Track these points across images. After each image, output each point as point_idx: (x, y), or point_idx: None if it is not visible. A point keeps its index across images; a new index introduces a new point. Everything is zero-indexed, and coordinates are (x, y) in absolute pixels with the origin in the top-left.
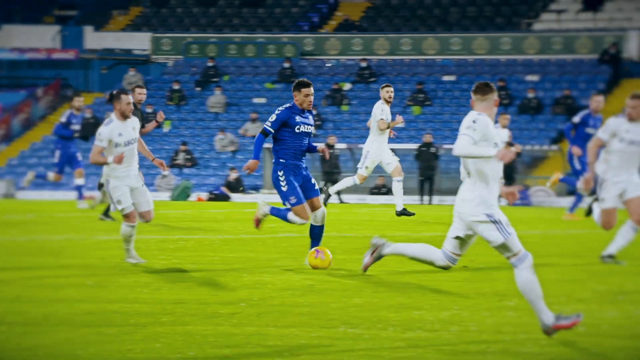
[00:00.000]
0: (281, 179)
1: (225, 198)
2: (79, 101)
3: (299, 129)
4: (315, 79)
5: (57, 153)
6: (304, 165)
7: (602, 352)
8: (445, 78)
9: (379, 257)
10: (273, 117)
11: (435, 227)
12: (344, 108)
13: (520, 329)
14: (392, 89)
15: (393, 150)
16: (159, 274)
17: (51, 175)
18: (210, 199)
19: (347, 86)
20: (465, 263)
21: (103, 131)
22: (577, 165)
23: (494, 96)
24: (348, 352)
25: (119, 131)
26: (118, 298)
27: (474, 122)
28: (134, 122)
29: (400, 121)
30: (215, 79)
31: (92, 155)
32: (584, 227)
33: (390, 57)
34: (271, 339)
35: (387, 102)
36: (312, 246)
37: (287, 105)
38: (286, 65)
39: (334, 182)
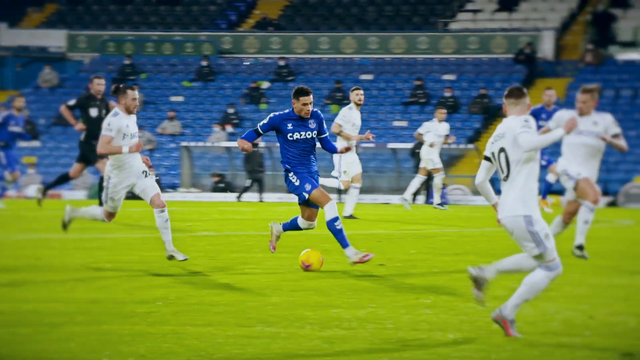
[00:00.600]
0: (290, 177)
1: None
2: (20, 101)
3: (291, 136)
4: (233, 77)
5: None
6: (314, 170)
7: (516, 349)
8: (363, 77)
9: (484, 283)
10: (266, 119)
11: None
12: (262, 106)
13: (436, 326)
14: (362, 91)
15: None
16: (75, 272)
17: (8, 176)
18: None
19: (265, 85)
20: (382, 261)
21: (112, 121)
22: (542, 162)
23: (527, 100)
24: (265, 350)
25: (127, 122)
26: (32, 297)
27: (526, 121)
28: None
29: (366, 137)
30: (132, 77)
31: (103, 145)
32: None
33: (308, 55)
34: (187, 338)
35: (357, 104)
36: (342, 245)
37: (285, 111)
38: (204, 63)
39: (259, 180)
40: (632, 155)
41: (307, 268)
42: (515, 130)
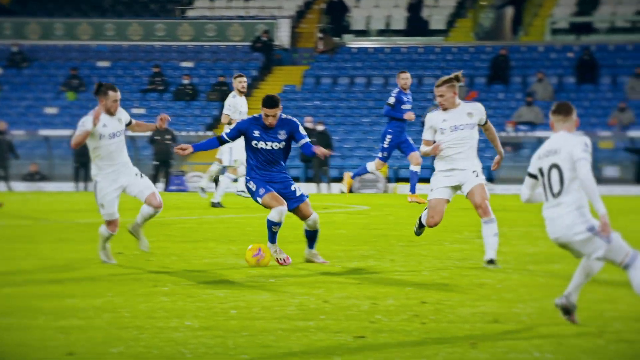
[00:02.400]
0: (249, 183)
1: None
2: None
3: (256, 144)
4: None
5: None
6: (277, 178)
7: (252, 334)
8: (100, 64)
9: (574, 308)
10: (234, 125)
11: (90, 214)
12: None
13: (173, 313)
14: (244, 79)
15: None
16: None
17: None
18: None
19: None
20: (120, 249)
21: (87, 119)
22: (386, 143)
23: (575, 116)
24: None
25: (104, 122)
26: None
27: (586, 145)
28: (122, 114)
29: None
30: None
31: (74, 138)
32: (237, 212)
33: (42, 41)
34: None
35: (240, 92)
36: (307, 246)
37: (255, 115)
38: None
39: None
40: (366, 141)
41: (259, 259)
42: (574, 153)
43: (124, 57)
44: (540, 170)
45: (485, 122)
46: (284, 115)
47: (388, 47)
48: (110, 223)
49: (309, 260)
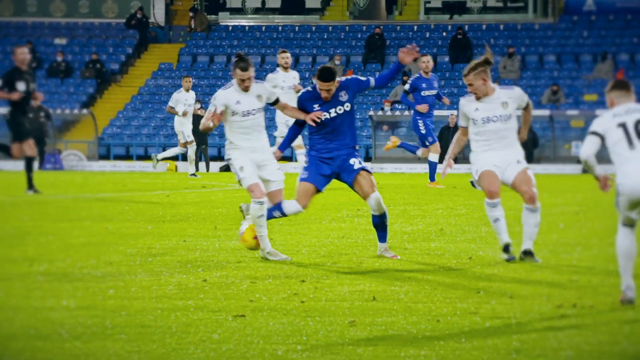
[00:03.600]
0: (305, 162)
1: None
2: None
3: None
4: None
5: None
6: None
7: (130, 314)
8: None
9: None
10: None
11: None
12: None
13: (49, 293)
14: (287, 54)
15: None
16: None
17: None
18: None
19: None
20: None
21: (219, 95)
22: (422, 129)
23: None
24: None
25: (237, 98)
26: None
27: None
28: (260, 89)
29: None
30: None
31: (203, 120)
32: (114, 191)
33: None
34: None
35: (284, 68)
36: (378, 239)
37: (309, 88)
38: None
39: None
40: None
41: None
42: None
43: None
44: (624, 125)
45: (527, 105)
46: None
47: (264, 25)
48: (252, 189)
49: (380, 255)
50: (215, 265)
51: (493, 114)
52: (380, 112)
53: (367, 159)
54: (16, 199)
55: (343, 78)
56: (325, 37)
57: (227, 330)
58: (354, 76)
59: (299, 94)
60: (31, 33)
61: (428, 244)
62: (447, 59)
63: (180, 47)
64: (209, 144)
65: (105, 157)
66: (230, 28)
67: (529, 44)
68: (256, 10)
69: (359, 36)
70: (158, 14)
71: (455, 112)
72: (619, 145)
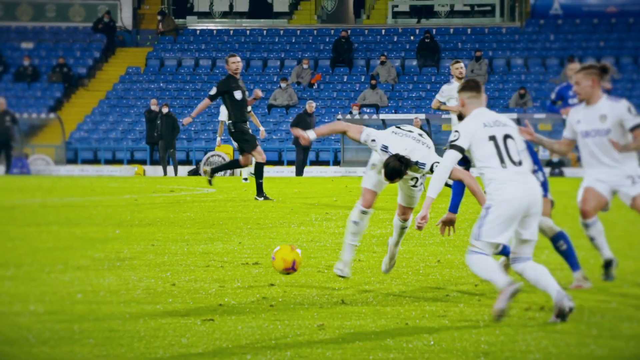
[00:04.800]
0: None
1: None
2: None
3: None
4: None
5: None
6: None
7: (99, 318)
8: None
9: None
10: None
11: None
12: None
13: (17, 297)
14: (460, 64)
15: None
16: None
17: None
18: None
19: None
20: None
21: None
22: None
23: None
24: None
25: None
26: None
27: None
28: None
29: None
30: None
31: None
32: (82, 195)
33: None
34: None
35: (458, 78)
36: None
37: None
38: None
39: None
40: (211, 124)
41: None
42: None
43: None
44: (494, 139)
45: (634, 128)
46: None
47: (232, 29)
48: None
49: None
50: (183, 269)
51: (590, 127)
52: (348, 116)
53: (336, 162)
54: None
55: None
56: (294, 40)
57: (195, 334)
58: None
59: None
60: None
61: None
62: (415, 62)
63: (148, 51)
64: (177, 148)
65: (73, 161)
66: (198, 32)
67: (497, 48)
68: (224, 14)
69: (327, 40)
70: (125, 18)
71: (420, 116)
72: (491, 161)
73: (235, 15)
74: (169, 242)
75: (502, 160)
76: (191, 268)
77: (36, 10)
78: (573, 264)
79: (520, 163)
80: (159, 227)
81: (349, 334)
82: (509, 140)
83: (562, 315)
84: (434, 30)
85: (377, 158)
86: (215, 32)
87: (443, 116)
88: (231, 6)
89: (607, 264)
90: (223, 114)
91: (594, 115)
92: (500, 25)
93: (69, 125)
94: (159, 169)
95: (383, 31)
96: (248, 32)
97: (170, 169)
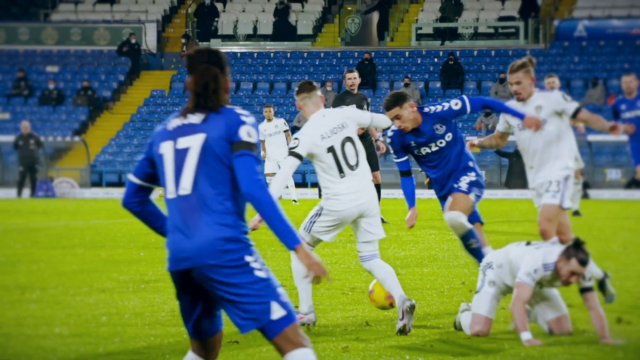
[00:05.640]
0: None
1: None
2: None
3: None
4: None
5: None
6: None
7: (123, 340)
8: None
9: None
10: None
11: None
12: None
13: (42, 320)
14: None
15: None
16: None
17: None
18: None
19: None
20: None
21: None
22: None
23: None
24: None
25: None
26: None
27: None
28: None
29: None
30: None
31: None
32: (107, 218)
33: None
34: None
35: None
36: None
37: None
38: None
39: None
40: None
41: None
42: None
43: None
44: (332, 149)
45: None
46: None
47: (256, 52)
48: None
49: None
50: None
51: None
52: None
53: None
54: (8, 226)
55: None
56: (317, 63)
57: (220, 356)
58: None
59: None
60: (23, 61)
61: (421, 269)
62: (438, 84)
63: (173, 74)
64: None
65: (97, 184)
66: None
67: None
68: (248, 37)
69: (351, 62)
70: (150, 41)
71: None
72: (331, 172)
73: (259, 38)
74: None
75: (340, 170)
76: None
77: (61, 34)
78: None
79: (357, 165)
80: None
81: (373, 356)
82: (346, 145)
83: (407, 313)
84: (457, 52)
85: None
86: (239, 54)
87: (467, 138)
88: (255, 29)
89: (601, 284)
90: None
91: (530, 109)
92: (524, 47)
93: (94, 148)
94: None
95: (407, 53)
96: (272, 54)
97: None
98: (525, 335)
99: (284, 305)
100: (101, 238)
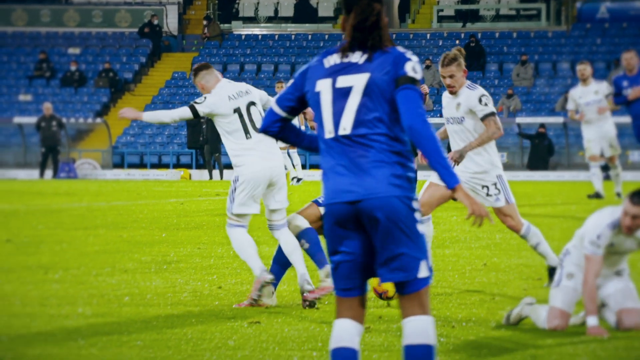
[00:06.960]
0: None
1: None
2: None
3: None
4: None
5: None
6: None
7: (146, 319)
8: None
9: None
10: None
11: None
12: None
13: (65, 300)
14: (584, 66)
15: None
16: None
17: None
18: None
19: None
20: (9, 237)
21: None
22: None
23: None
24: None
25: None
26: None
27: None
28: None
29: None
30: None
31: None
32: (128, 199)
33: None
34: None
35: (583, 81)
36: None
37: None
38: None
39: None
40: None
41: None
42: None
43: (9, 43)
44: (237, 110)
45: (484, 117)
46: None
47: (277, 34)
48: None
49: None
50: (230, 272)
51: (450, 115)
52: None
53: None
54: (30, 207)
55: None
56: (339, 45)
57: (242, 336)
58: None
59: None
60: (45, 43)
61: (442, 250)
62: None
63: (194, 56)
64: (222, 152)
65: (119, 165)
66: (243, 37)
67: (542, 52)
68: (269, 19)
69: None
70: (171, 23)
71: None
72: (237, 134)
73: (280, 20)
74: (215, 245)
75: (246, 132)
76: (237, 271)
77: (83, 16)
78: (317, 261)
79: None
80: (205, 231)
81: (395, 336)
82: (252, 109)
83: (305, 299)
84: (479, 35)
85: None
86: (260, 37)
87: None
88: (276, 11)
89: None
90: None
91: (453, 103)
92: (546, 29)
93: (116, 130)
94: (205, 173)
95: (428, 35)
96: (293, 36)
97: (216, 172)
98: (592, 321)
99: (429, 265)
100: (123, 219)
